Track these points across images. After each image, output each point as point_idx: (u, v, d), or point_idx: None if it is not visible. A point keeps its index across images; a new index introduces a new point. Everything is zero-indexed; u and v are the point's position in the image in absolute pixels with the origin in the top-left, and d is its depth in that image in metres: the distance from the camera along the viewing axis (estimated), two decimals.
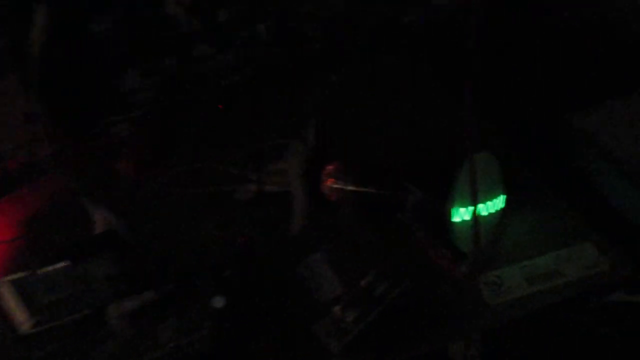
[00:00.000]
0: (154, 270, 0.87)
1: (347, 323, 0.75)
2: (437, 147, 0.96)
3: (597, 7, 1.08)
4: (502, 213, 0.87)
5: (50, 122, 1.21)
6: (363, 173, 0.93)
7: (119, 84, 1.29)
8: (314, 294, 0.78)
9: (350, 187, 0.93)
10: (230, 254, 0.85)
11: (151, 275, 0.86)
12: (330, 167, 0.96)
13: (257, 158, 1.03)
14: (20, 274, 0.81)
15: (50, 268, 0.79)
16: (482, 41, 1.13)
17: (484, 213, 0.83)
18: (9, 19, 1.09)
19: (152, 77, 1.31)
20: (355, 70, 1.12)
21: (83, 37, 1.25)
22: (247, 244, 0.86)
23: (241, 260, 0.82)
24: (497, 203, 0.86)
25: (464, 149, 0.76)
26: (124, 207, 0.99)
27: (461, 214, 0.80)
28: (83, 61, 1.25)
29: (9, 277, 0.81)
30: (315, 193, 0.94)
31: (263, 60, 1.34)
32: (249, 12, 1.34)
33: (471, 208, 0.80)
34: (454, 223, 0.79)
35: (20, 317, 0.79)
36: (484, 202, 0.83)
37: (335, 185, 0.94)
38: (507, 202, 0.87)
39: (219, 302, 0.74)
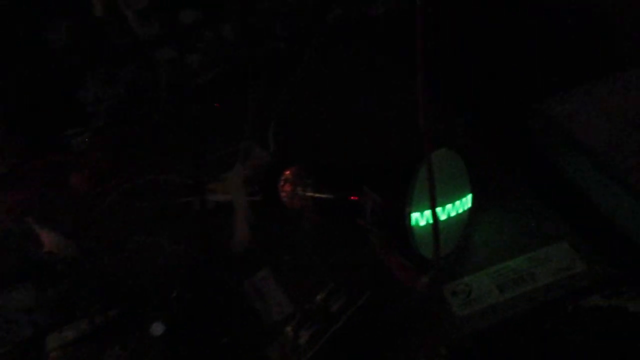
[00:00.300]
0: (100, 293, 0.80)
1: (300, 344, 0.68)
2: (397, 146, 0.90)
3: None
4: (469, 214, 0.80)
5: (5, 136, 1.17)
6: (321, 177, 0.86)
7: (79, 94, 1.24)
8: (263, 315, 0.71)
9: (309, 193, 0.86)
10: (182, 271, 0.78)
11: (96, 299, 0.80)
12: (288, 173, 0.90)
13: (213, 166, 0.97)
14: None
15: None
16: (444, 31, 1.07)
17: (449, 215, 0.77)
18: None
19: (113, 86, 1.26)
20: (311, 69, 1.05)
21: (38, 46, 1.20)
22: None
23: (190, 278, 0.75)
24: (464, 203, 0.79)
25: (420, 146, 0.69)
26: (75, 224, 0.94)
27: (421, 218, 0.73)
28: (38, 71, 1.21)
29: None
30: (273, 201, 0.88)
31: (228, 62, 1.29)
32: (213, 13, 1.28)
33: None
34: (414, 228, 0.72)
35: None
36: (447, 203, 0.76)
37: (295, 192, 0.87)
38: (475, 201, 0.80)
39: (158, 329, 0.68)
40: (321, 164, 0.89)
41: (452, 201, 0.77)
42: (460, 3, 1.07)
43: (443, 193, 0.76)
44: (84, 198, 1.01)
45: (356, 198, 0.80)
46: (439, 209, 0.75)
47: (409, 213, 0.72)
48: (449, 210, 0.77)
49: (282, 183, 0.89)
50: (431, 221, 0.74)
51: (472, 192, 0.80)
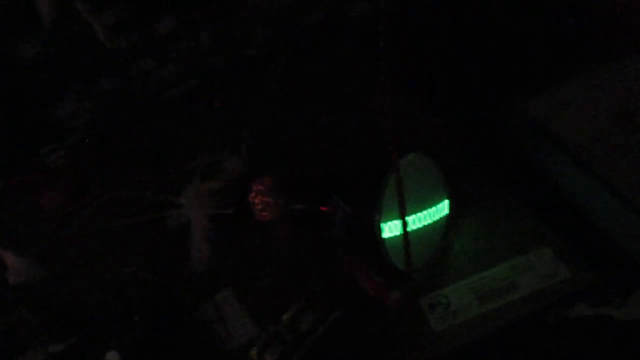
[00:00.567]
0: (57, 321, 0.76)
1: None
2: (369, 154, 0.85)
3: None
4: (447, 221, 0.75)
5: None
6: (293, 188, 0.82)
7: (54, 110, 1.20)
8: (224, 338, 0.67)
9: (281, 205, 0.82)
10: (142, 294, 0.74)
11: (52, 327, 0.76)
12: (259, 184, 0.85)
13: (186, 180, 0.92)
14: None
15: None
16: (421, 32, 1.03)
17: (424, 223, 0.72)
18: None
19: (89, 100, 1.22)
20: (284, 77, 1.01)
21: (10, 64, 1.17)
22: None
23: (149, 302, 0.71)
24: (440, 210, 0.74)
25: (389, 152, 0.65)
26: (44, 247, 0.90)
27: (393, 229, 0.68)
28: (12, 89, 1.18)
29: None
30: (245, 214, 0.84)
31: (204, 71, 1.26)
32: (190, 21, 1.25)
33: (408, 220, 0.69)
34: (385, 240, 0.68)
35: None
36: (421, 210, 0.72)
37: (267, 204, 0.83)
38: (453, 207, 0.75)
39: (113, 358, 0.64)
40: (293, 175, 0.85)
41: (427, 208, 0.73)
42: (436, 4, 1.03)
43: (416, 200, 0.72)
44: (54, 219, 0.97)
45: (326, 209, 0.76)
46: (412, 218, 0.71)
47: (379, 223, 0.68)
48: (423, 218, 0.72)
49: (253, 195, 0.85)
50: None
51: (449, 198, 0.75)
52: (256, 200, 0.84)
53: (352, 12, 1.27)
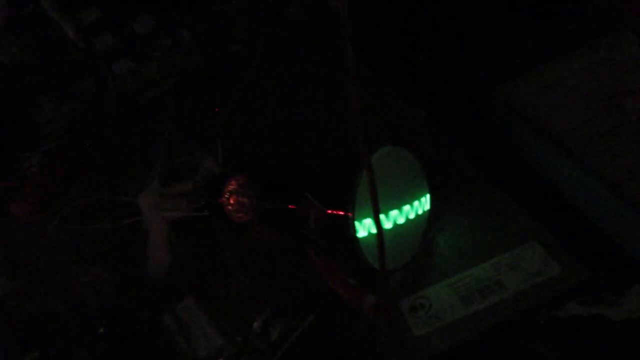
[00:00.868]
0: (23, 334, 0.72)
1: None
2: (344, 149, 0.80)
3: None
4: (429, 216, 0.71)
5: None
6: (266, 186, 0.78)
7: (32, 114, 1.16)
8: (187, 351, 0.62)
9: (255, 205, 0.78)
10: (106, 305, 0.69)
11: (17, 341, 0.71)
12: (232, 184, 0.81)
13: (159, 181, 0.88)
14: None
15: None
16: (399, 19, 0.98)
17: (403, 219, 0.67)
18: None
19: (68, 104, 1.18)
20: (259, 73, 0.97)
21: None
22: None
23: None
24: (421, 205, 0.70)
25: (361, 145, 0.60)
26: (14, 256, 0.86)
27: (368, 227, 0.63)
28: None
29: None
30: (220, 216, 0.80)
31: (185, 69, 1.22)
32: (170, 18, 1.21)
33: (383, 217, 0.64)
34: (360, 239, 0.63)
35: None
36: (400, 206, 0.67)
37: (241, 204, 0.79)
38: (436, 202, 0.71)
39: None
40: (266, 172, 0.80)
41: (406, 204, 0.68)
42: None
43: (394, 196, 0.67)
44: (25, 228, 0.93)
45: (299, 207, 0.71)
46: (389, 214, 0.66)
47: (353, 221, 0.63)
48: (402, 214, 0.67)
49: (227, 195, 0.80)
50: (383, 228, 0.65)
51: (430, 192, 0.70)
52: (230, 201, 0.79)
53: (332, 2, 1.22)
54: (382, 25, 1.05)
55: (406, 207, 0.67)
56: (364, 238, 0.64)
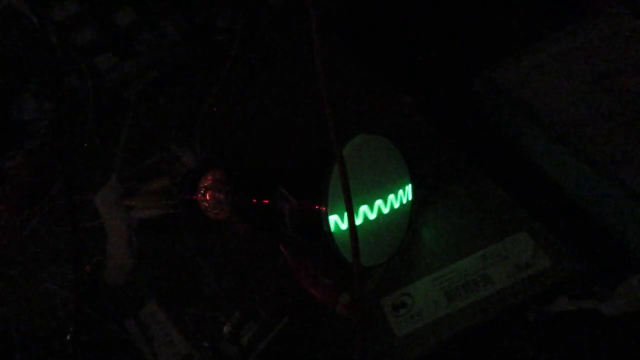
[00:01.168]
0: None
1: None
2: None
3: None
4: (411, 208, 0.66)
5: None
6: (241, 181, 0.74)
7: (14, 113, 1.13)
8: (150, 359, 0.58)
9: (230, 200, 0.74)
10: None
11: None
12: (208, 179, 0.77)
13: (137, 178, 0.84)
14: None
15: None
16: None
17: (383, 211, 0.63)
18: None
19: (50, 101, 1.15)
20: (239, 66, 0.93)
21: None
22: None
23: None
24: (402, 196, 0.65)
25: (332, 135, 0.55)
26: None
27: (343, 221, 0.59)
28: None
29: None
30: (196, 213, 0.76)
31: (170, 62, 1.18)
32: (153, 10, 1.17)
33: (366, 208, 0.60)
34: (335, 235, 0.59)
35: None
36: (378, 198, 0.63)
37: (217, 200, 0.75)
38: (418, 192, 0.66)
39: None
40: (241, 165, 0.76)
41: (386, 194, 0.64)
42: None
43: (372, 187, 0.63)
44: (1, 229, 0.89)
45: (274, 202, 0.67)
46: (367, 206, 0.62)
47: (326, 216, 0.59)
48: (382, 206, 0.63)
49: (202, 191, 0.76)
50: (359, 222, 0.61)
51: (412, 182, 0.66)
52: (207, 197, 0.75)
53: None
54: (366, 10, 1.01)
55: (386, 198, 0.63)
56: (338, 233, 0.60)
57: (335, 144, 0.55)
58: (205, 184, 0.76)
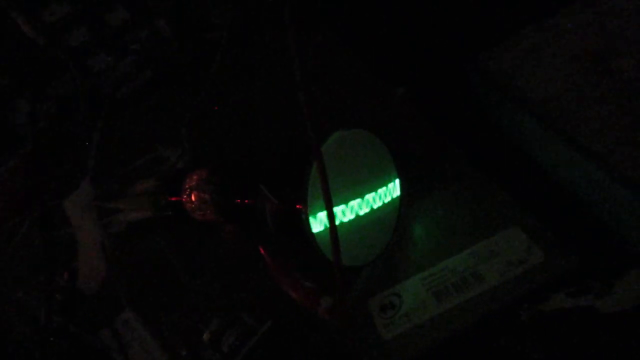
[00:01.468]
0: None
1: None
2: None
3: None
4: (399, 204, 0.63)
5: None
6: (224, 180, 0.71)
7: (8, 117, 1.12)
8: None
9: (214, 200, 0.71)
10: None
11: None
12: (194, 179, 0.74)
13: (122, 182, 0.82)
14: None
15: None
16: None
17: (369, 208, 0.60)
18: None
19: (44, 104, 1.14)
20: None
21: None
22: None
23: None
24: (389, 192, 0.62)
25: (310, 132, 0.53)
26: None
27: (324, 221, 0.57)
28: None
29: None
30: (182, 215, 0.74)
31: (163, 60, 1.16)
32: (145, 9, 1.15)
33: (341, 208, 0.57)
34: (318, 235, 0.56)
35: None
36: (362, 195, 0.60)
37: (202, 201, 0.72)
38: (406, 187, 0.63)
39: None
40: (225, 164, 0.74)
41: (370, 191, 0.61)
42: None
43: (355, 184, 0.60)
44: None
45: (255, 201, 0.64)
46: (352, 204, 0.59)
47: (307, 216, 0.56)
48: (368, 203, 0.60)
49: (187, 192, 0.74)
50: (342, 220, 0.59)
51: (400, 176, 0.63)
52: (192, 198, 0.73)
53: None
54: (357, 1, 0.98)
55: (370, 196, 0.60)
56: (320, 233, 0.57)
57: (313, 141, 0.53)
58: (191, 185, 0.73)
